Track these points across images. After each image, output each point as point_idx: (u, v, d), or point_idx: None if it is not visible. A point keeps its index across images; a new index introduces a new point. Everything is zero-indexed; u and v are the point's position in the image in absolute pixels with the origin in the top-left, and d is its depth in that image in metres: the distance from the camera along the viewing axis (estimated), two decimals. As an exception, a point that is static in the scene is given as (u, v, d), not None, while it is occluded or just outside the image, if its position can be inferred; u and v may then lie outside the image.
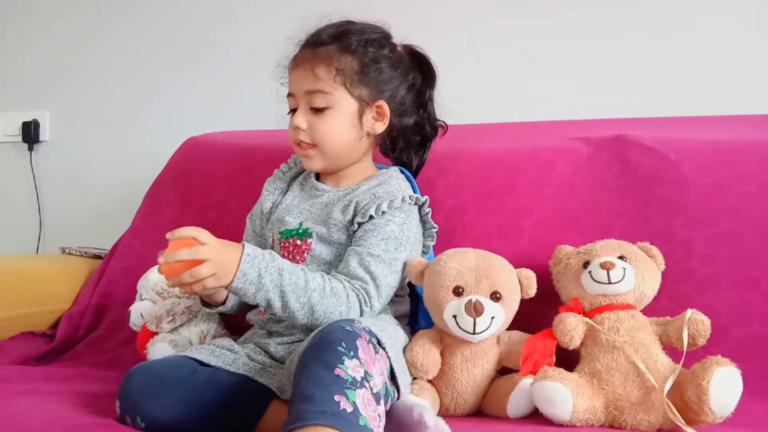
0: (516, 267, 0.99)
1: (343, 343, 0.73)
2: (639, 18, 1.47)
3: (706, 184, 1.12)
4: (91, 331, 1.33)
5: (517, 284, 0.97)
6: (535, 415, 0.91)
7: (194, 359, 0.89)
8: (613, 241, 1.03)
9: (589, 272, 0.98)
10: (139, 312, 1.17)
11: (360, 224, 0.97)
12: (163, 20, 1.83)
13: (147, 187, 1.51)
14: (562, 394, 0.86)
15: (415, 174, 1.12)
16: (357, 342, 0.74)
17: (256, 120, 1.59)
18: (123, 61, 1.87)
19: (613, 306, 0.96)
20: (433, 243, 1.06)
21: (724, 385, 0.82)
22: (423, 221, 1.04)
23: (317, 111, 1.00)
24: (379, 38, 1.04)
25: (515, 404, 0.92)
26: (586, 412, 0.87)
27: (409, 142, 1.10)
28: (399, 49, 1.07)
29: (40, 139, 1.94)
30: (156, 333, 1.13)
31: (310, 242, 1.01)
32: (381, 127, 1.04)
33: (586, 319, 0.95)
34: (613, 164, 1.20)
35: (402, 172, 1.09)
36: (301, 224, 1.03)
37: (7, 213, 1.97)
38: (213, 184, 1.41)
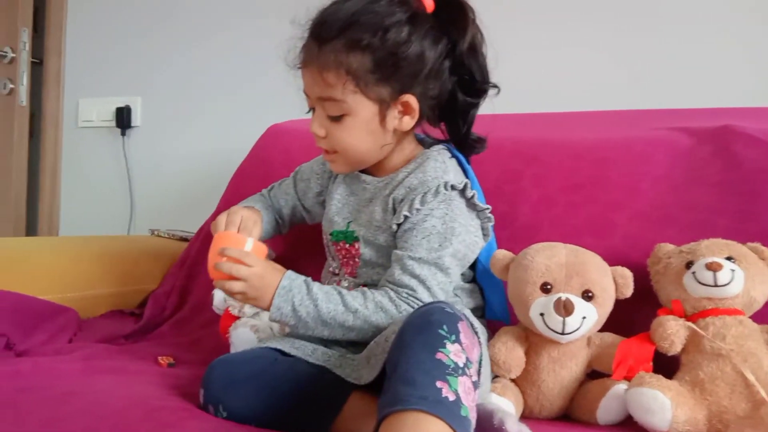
0: (608, 264, 0.93)
1: (445, 326, 0.69)
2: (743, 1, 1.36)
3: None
4: (176, 311, 1.36)
5: (611, 283, 0.91)
6: (627, 424, 0.86)
7: (275, 349, 0.88)
8: (720, 241, 0.95)
9: (693, 273, 0.91)
10: (222, 296, 1.18)
11: (398, 225, 0.91)
12: (248, 12, 1.85)
13: (233, 171, 1.53)
14: (660, 402, 0.80)
15: (464, 139, 0.97)
16: (459, 325, 0.70)
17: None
18: (210, 50, 1.90)
19: (719, 311, 0.88)
20: (491, 224, 0.96)
21: None
22: (473, 204, 0.93)
23: (333, 118, 0.91)
24: (399, 16, 0.87)
25: (606, 410, 0.86)
26: (687, 423, 0.81)
27: (452, 115, 0.96)
28: (428, 9, 0.90)
29: (132, 124, 2.01)
30: (238, 317, 1.14)
31: (358, 246, 0.96)
32: (410, 121, 0.92)
33: (689, 323, 0.88)
34: (716, 157, 1.11)
35: (449, 149, 0.98)
36: (348, 225, 0.98)
37: (102, 195, 2.06)
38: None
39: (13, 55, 2.10)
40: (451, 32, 0.91)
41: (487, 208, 0.95)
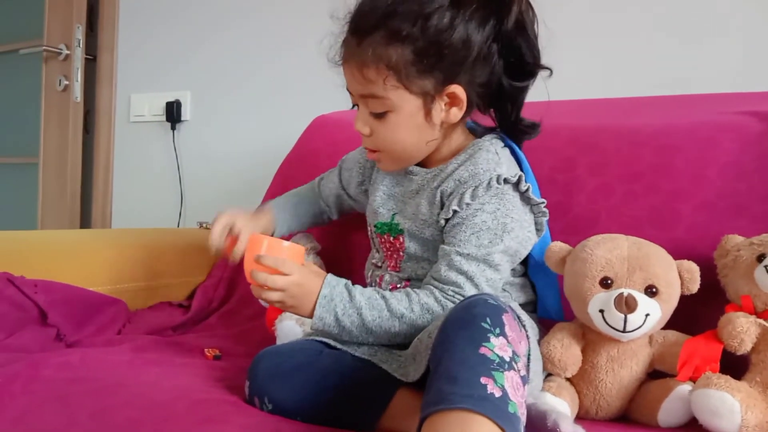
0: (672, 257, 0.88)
1: (488, 319, 0.66)
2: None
3: None
4: (223, 303, 1.37)
5: (676, 278, 0.85)
6: (691, 426, 0.80)
7: (321, 342, 0.86)
8: (796, 232, 0.88)
9: (765, 267, 0.84)
10: (268, 288, 1.18)
11: (446, 219, 0.87)
12: (297, 7, 1.83)
13: (279, 164, 1.52)
14: (729, 405, 0.74)
15: (515, 125, 0.93)
16: (503, 317, 0.67)
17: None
18: (257, 44, 1.90)
19: (794, 307, 0.82)
20: (546, 219, 0.91)
21: None
22: (527, 198, 0.89)
23: (377, 115, 0.87)
24: (440, 1, 0.82)
25: (668, 412, 0.81)
26: (757, 428, 0.75)
27: (501, 100, 0.91)
28: None
29: (182, 118, 2.03)
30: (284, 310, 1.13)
31: (403, 240, 0.93)
32: (458, 113, 0.87)
33: (760, 320, 0.82)
34: (791, 142, 1.03)
35: (502, 138, 0.93)
36: (393, 217, 0.95)
37: (152, 188, 2.10)
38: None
39: (68, 51, 2.15)
40: (497, 11, 0.85)
41: (542, 203, 0.90)
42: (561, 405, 0.81)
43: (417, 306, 0.83)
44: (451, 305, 0.82)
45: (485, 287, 0.85)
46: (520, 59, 0.88)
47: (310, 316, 0.83)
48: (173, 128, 2.03)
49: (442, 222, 0.88)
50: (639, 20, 1.41)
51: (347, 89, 0.91)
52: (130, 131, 2.15)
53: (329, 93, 1.72)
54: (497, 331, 0.65)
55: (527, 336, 0.72)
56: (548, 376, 0.87)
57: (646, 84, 1.35)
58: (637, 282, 0.84)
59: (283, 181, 1.47)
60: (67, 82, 2.15)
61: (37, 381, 0.81)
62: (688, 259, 0.88)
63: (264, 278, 0.81)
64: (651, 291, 0.83)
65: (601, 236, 0.89)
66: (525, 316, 0.84)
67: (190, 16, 2.02)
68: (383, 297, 0.84)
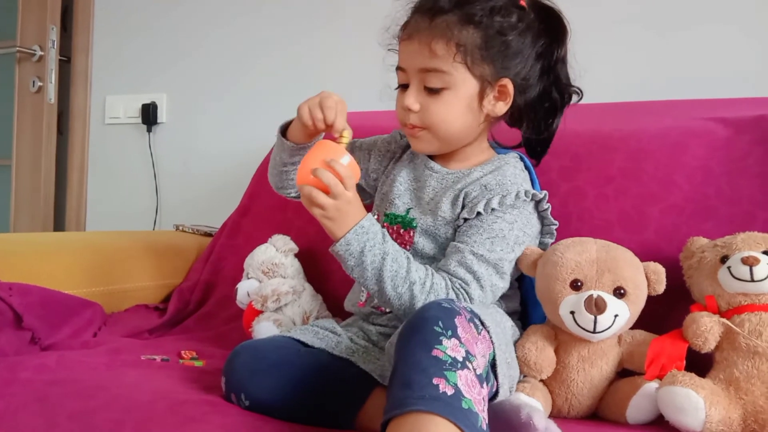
0: (640, 259, 0.90)
1: (440, 322, 0.68)
2: None
3: None
4: (200, 306, 1.37)
5: (644, 279, 0.88)
6: (658, 423, 0.83)
7: (298, 341, 0.87)
8: (757, 234, 0.91)
9: (728, 268, 0.87)
10: (246, 290, 1.19)
11: (466, 219, 0.90)
12: (273, 10, 1.84)
13: (256, 167, 1.53)
14: (693, 401, 0.77)
15: (544, 146, 1.01)
16: (456, 320, 0.69)
17: (363, 102, 1.57)
18: (234, 46, 1.90)
19: (756, 307, 0.85)
20: (552, 240, 0.96)
21: None
22: (541, 217, 0.95)
23: (432, 91, 0.90)
24: (507, 2, 0.91)
25: (636, 409, 0.84)
26: (721, 423, 0.78)
27: (535, 114, 0.97)
28: (526, 7, 0.93)
29: (158, 120, 2.02)
30: (261, 312, 1.13)
31: (413, 234, 0.95)
32: (503, 107, 0.93)
33: (723, 319, 0.85)
34: (756, 147, 1.07)
35: (521, 159, 0.99)
36: (408, 211, 0.97)
37: (128, 191, 2.08)
38: (318, 165, 1.40)
39: (42, 53, 2.12)
40: (551, 36, 0.94)
41: (555, 224, 0.95)
42: (535, 404, 0.83)
43: (429, 282, 0.85)
44: (454, 297, 0.85)
45: (489, 291, 0.88)
46: (557, 81, 0.96)
47: (337, 238, 0.84)
48: (149, 130, 2.02)
49: (461, 221, 0.91)
50: (614, 27, 1.44)
51: (399, 68, 0.93)
52: (105, 133, 2.13)
53: (307, 96, 1.75)
54: (449, 333, 0.67)
55: (491, 339, 0.74)
56: (523, 377, 0.89)
57: (616, 89, 1.38)
58: (606, 284, 0.86)
59: (261, 184, 1.48)
60: (41, 84, 2.13)
61: (15, 383, 0.81)
62: (656, 261, 0.90)
63: (329, 179, 0.81)
64: (619, 292, 0.86)
65: (570, 240, 0.92)
66: (498, 322, 0.85)
67: (166, 19, 2.01)
68: (408, 258, 0.86)
